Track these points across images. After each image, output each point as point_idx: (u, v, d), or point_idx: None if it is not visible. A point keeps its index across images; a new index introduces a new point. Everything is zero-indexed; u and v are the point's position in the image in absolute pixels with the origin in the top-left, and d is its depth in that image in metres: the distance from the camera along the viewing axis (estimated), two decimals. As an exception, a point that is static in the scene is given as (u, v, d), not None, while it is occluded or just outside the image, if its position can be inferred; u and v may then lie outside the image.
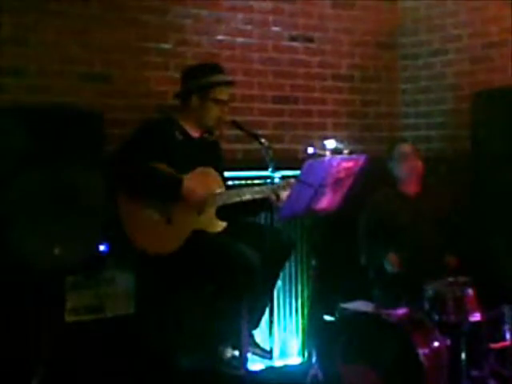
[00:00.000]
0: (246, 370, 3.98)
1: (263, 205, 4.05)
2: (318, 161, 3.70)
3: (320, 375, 3.89)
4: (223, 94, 4.03)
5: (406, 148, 4.67)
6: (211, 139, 4.18)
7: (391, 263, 4.38)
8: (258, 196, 3.97)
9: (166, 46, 4.67)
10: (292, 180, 3.91)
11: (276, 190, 3.91)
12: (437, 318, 3.95)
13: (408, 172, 4.60)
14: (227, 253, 3.79)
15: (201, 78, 3.98)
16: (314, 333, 4.20)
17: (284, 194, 3.89)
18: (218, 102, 4.00)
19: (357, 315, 4.14)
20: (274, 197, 3.92)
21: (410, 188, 4.63)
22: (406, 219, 4.52)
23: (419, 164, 4.62)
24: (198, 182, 3.90)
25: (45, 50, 4.25)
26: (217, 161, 4.12)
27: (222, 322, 3.99)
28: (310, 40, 5.27)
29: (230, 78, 4.18)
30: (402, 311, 4.03)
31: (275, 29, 5.12)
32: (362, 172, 3.82)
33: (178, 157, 3.90)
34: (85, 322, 3.88)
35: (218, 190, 4.01)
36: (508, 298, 4.09)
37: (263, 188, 3.99)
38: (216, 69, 4.06)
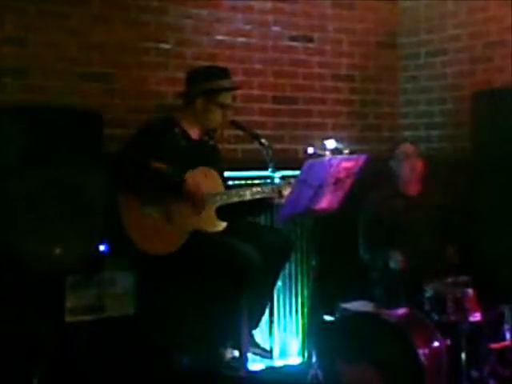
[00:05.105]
0: (246, 370, 3.99)
1: (263, 206, 4.05)
2: (318, 161, 3.70)
3: (320, 375, 3.89)
4: (228, 98, 4.04)
5: (408, 148, 4.68)
6: (211, 143, 4.19)
7: (396, 260, 4.37)
8: (258, 196, 3.99)
9: (166, 46, 4.67)
10: (292, 180, 3.92)
11: (277, 188, 3.92)
12: (437, 318, 3.95)
13: (409, 171, 4.60)
14: (227, 252, 3.80)
15: (208, 82, 3.98)
16: (314, 333, 4.20)
17: (286, 192, 3.89)
18: (223, 106, 4.01)
19: (357, 315, 4.14)
20: (276, 195, 3.93)
21: (410, 187, 4.64)
22: (405, 218, 4.52)
23: (420, 164, 4.62)
24: (200, 179, 3.91)
25: (45, 50, 4.25)
26: (216, 162, 4.13)
27: (222, 322, 3.99)
28: (310, 40, 5.27)
29: (236, 83, 4.18)
30: (401, 311, 4.03)
31: (275, 29, 5.12)
32: (363, 172, 3.82)
33: (178, 157, 3.90)
34: (85, 321, 3.88)
35: (219, 190, 4.02)
36: (508, 298, 4.09)
37: (263, 188, 4.00)
38: (223, 73, 4.06)
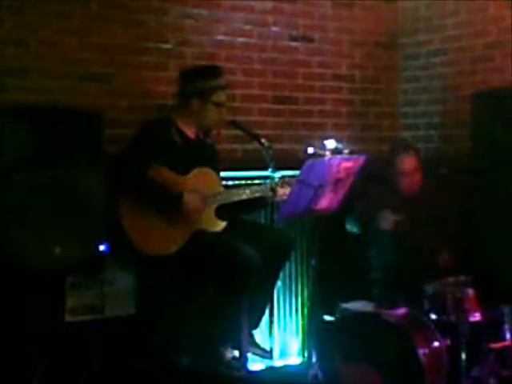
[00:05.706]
0: (246, 370, 3.99)
1: (260, 202, 4.06)
2: (318, 161, 3.71)
3: (320, 375, 3.89)
4: (223, 96, 4.05)
5: (407, 164, 4.56)
6: (208, 142, 4.19)
7: (387, 220, 4.35)
8: (257, 195, 3.99)
9: (166, 46, 4.67)
10: (291, 179, 3.92)
11: (273, 186, 3.92)
12: (437, 318, 3.95)
13: (408, 185, 4.58)
14: (227, 252, 3.80)
15: (201, 82, 3.99)
16: (314, 333, 4.20)
17: (281, 190, 3.90)
18: (218, 104, 4.02)
19: (357, 315, 4.14)
20: (270, 193, 3.94)
21: (407, 190, 4.62)
22: (401, 215, 4.51)
23: (419, 177, 4.59)
24: (199, 186, 3.91)
25: (45, 50, 4.25)
26: (213, 162, 4.13)
27: (222, 323, 3.99)
28: (310, 40, 5.27)
29: (227, 81, 4.18)
30: (402, 311, 4.03)
31: (275, 29, 5.12)
32: (362, 172, 3.82)
33: (176, 158, 3.91)
34: (85, 321, 3.88)
35: (217, 190, 4.02)
36: (508, 297, 4.09)
37: (262, 187, 4.01)
38: (216, 72, 4.06)
